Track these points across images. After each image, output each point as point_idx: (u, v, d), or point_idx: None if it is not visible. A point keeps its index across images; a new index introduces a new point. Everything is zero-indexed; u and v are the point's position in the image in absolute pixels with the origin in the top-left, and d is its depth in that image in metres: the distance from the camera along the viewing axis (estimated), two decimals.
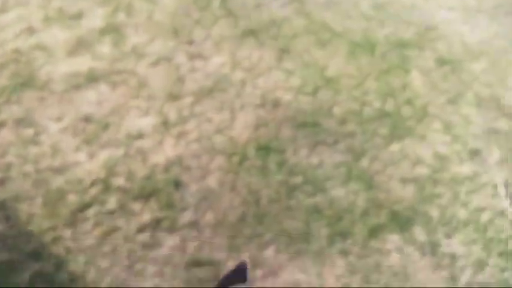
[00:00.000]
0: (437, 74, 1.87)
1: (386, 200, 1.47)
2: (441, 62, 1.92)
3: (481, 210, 1.48)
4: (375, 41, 1.95)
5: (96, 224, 1.41)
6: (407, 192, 1.50)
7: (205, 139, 1.59)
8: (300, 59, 1.87)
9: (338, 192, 1.48)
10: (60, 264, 1.35)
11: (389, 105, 1.73)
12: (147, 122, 1.62)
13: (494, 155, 1.61)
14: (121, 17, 1.94)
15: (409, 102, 1.75)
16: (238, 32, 1.94)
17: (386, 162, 1.56)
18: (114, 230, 1.40)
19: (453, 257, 1.35)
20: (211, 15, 2.00)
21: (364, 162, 1.55)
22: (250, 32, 1.95)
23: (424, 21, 2.07)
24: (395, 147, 1.60)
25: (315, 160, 1.55)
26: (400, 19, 2.07)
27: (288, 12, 2.05)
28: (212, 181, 1.50)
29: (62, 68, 1.71)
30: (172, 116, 1.63)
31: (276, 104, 1.72)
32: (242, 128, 1.63)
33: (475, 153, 1.61)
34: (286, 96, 1.73)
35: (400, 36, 1.98)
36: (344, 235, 1.38)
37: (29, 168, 1.50)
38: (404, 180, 1.53)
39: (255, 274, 1.31)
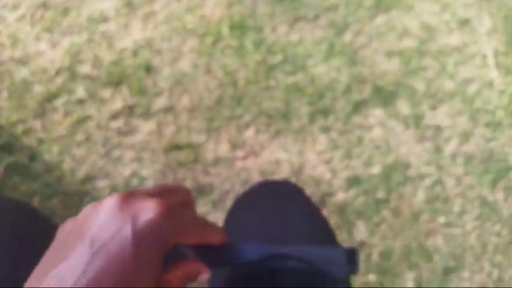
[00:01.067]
0: None
1: (370, 75, 1.32)
2: None
3: (468, 81, 1.33)
4: None
5: (66, 114, 1.26)
6: (392, 66, 1.34)
7: (175, 20, 1.37)
8: None
9: (319, 69, 1.31)
10: (33, 155, 1.23)
11: None
12: (109, 4, 1.38)
13: (485, 23, 1.42)
14: None
15: None
16: None
17: (371, 36, 1.37)
18: (86, 118, 1.26)
19: (438, 129, 1.24)
20: None
21: (347, 37, 1.37)
22: None
23: None
24: (380, 19, 1.40)
25: (294, 37, 1.36)
26: None
27: None
28: (185, 64, 1.32)
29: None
30: None
31: None
32: (214, 5, 1.41)
33: (464, 23, 1.42)
34: None
35: None
36: (326, 112, 1.25)
37: None
38: (389, 54, 1.36)
39: (235, 154, 1.20)
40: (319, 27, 1.38)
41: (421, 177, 1.18)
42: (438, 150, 1.21)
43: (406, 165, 1.18)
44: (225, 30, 1.36)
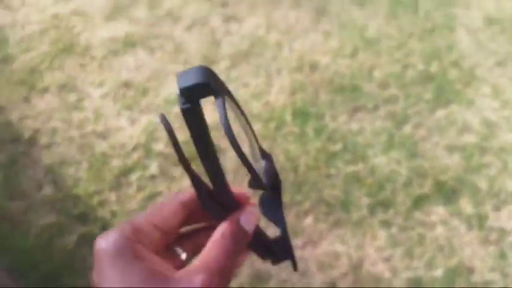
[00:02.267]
0: (485, 34, 1.55)
1: (430, 169, 1.24)
2: (489, 21, 1.59)
3: None
4: None
5: (139, 188, 1.27)
6: (454, 161, 1.26)
7: (242, 105, 1.38)
8: (337, 19, 1.59)
9: (379, 160, 1.26)
10: (106, 226, 1.23)
11: (434, 68, 1.45)
12: None
13: None
14: None
15: (455, 64, 1.46)
16: None
17: (431, 129, 1.31)
18: (157, 194, 1.26)
19: (502, 232, 1.13)
20: None
21: (407, 129, 1.31)
22: None
23: None
24: (440, 113, 1.34)
25: (354, 126, 1.32)
26: None
27: None
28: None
29: (100, 33, 1.52)
30: None
31: (314, 67, 1.47)
32: (278, 92, 1.41)
33: None
34: (324, 59, 1.48)
35: None
36: (386, 205, 1.18)
37: (73, 133, 1.35)
38: (450, 148, 1.28)
39: (293, 243, 1.14)
40: (378, 118, 1.34)
41: (486, 283, 1.07)
42: (503, 255, 1.10)
43: (470, 270, 1.07)
44: (288, 117, 1.35)
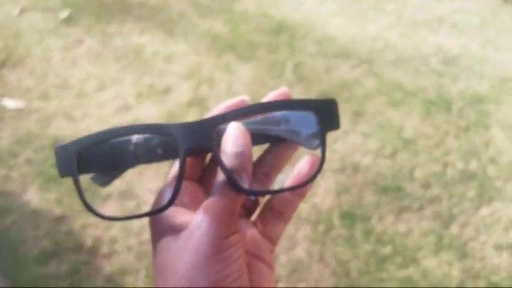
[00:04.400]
0: None
1: (482, 270, 1.30)
2: None
3: None
4: (450, 98, 1.80)
5: None
6: (503, 261, 1.32)
7: None
8: (374, 120, 1.77)
9: (430, 262, 1.33)
10: None
11: (474, 165, 1.56)
12: None
13: None
14: (204, 89, 1.96)
15: (493, 160, 1.57)
16: (311, 97, 1.88)
17: (477, 228, 1.39)
18: None
19: None
20: (285, 82, 1.96)
21: (454, 229, 1.40)
22: (323, 95, 1.89)
23: (498, 73, 1.90)
24: (485, 211, 1.44)
25: (402, 228, 1.42)
26: (473, 72, 1.91)
27: (358, 73, 1.97)
28: (300, 252, 1.42)
29: None
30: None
31: (356, 168, 1.62)
32: (324, 194, 1.54)
33: None
34: (365, 160, 1.63)
35: (475, 91, 1.82)
36: None
37: (132, 241, 1.50)
38: (498, 247, 1.35)
39: None
40: (425, 219, 1.44)
41: None
42: None
43: None
44: (336, 219, 1.47)
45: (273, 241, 0.32)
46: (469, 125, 1.70)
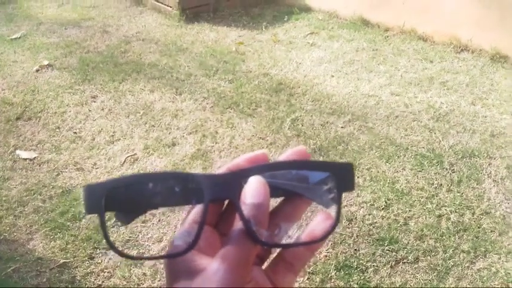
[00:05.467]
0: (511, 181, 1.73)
1: None
2: None
3: None
4: (442, 152, 1.87)
5: None
6: None
7: None
8: (368, 173, 1.83)
9: None
10: None
11: (467, 218, 1.59)
12: None
13: None
14: (207, 143, 2.06)
15: (487, 213, 1.60)
16: (308, 150, 1.96)
17: (474, 281, 1.39)
18: None
19: None
20: (283, 136, 2.06)
21: (450, 282, 1.40)
22: (319, 149, 1.97)
23: (488, 129, 1.98)
24: (481, 264, 1.44)
25: (398, 280, 1.42)
26: (464, 128, 2.00)
27: (353, 129, 2.06)
28: None
29: None
30: None
31: (351, 219, 1.65)
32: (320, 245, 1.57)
33: None
34: (360, 211, 1.67)
35: (467, 145, 1.89)
36: None
37: None
38: None
39: None
40: (421, 270, 1.44)
41: None
42: None
43: None
44: (332, 271, 1.48)
45: None
46: (462, 178, 1.75)
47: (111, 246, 0.30)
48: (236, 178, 0.31)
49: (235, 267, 0.28)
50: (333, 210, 0.32)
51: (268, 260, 0.34)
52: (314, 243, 0.32)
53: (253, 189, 0.30)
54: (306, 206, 0.35)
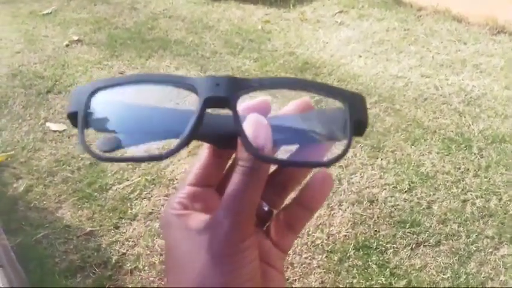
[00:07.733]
0: None
1: None
2: None
3: None
4: (470, 137, 1.81)
5: None
6: None
7: (306, 235, 1.55)
8: (392, 155, 1.80)
9: None
10: None
11: (493, 204, 1.55)
12: None
13: None
14: None
15: None
16: None
17: (496, 267, 1.37)
18: None
19: None
20: None
21: (472, 267, 1.38)
22: None
23: None
24: (505, 250, 1.41)
25: (418, 262, 1.41)
26: (495, 113, 1.92)
27: (378, 110, 2.02)
28: (314, 280, 1.43)
29: (184, 167, 1.84)
30: None
31: (373, 201, 1.64)
32: (340, 225, 1.57)
33: None
34: (382, 193, 1.65)
35: (497, 131, 1.83)
36: None
37: (154, 259, 1.57)
38: None
39: None
40: (442, 254, 1.43)
41: None
42: None
43: None
44: (351, 250, 1.48)
45: (283, 250, 0.33)
46: (490, 163, 1.69)
47: (85, 148, 0.28)
48: (238, 82, 0.28)
49: (240, 221, 0.28)
50: (343, 137, 0.29)
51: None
52: (322, 165, 0.32)
53: (255, 106, 0.30)
54: (307, 171, 0.35)
